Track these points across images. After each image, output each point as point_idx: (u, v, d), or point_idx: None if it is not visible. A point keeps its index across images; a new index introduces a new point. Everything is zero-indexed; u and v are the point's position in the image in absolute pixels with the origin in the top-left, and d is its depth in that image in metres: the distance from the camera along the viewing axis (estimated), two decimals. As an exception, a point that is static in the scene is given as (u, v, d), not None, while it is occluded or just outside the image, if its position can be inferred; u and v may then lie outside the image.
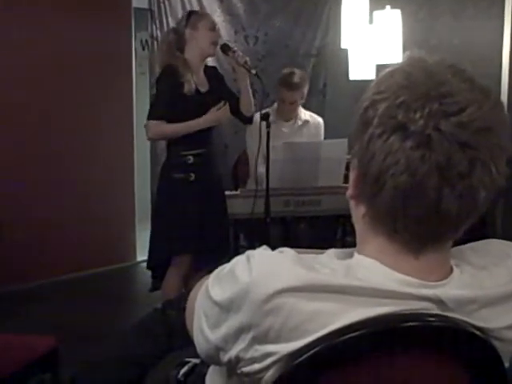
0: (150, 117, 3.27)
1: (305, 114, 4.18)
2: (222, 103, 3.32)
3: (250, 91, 3.43)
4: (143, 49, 6.18)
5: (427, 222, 0.90)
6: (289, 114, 4.09)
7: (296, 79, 3.91)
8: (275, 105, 4.11)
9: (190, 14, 3.44)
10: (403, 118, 0.87)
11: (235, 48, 3.45)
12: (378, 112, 0.90)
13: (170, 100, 3.24)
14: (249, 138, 3.94)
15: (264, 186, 3.34)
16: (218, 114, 3.32)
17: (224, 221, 3.49)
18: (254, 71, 3.35)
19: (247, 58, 3.37)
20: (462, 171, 0.86)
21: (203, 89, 3.32)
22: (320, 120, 4.24)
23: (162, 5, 4.40)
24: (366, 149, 0.91)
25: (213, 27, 3.33)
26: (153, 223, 3.58)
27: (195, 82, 3.29)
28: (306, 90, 4.01)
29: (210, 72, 3.37)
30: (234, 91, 3.52)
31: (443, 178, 0.86)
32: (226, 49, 3.34)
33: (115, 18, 4.99)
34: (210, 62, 3.60)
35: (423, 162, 0.86)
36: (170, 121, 3.27)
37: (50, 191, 4.64)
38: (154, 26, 4.39)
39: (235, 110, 3.45)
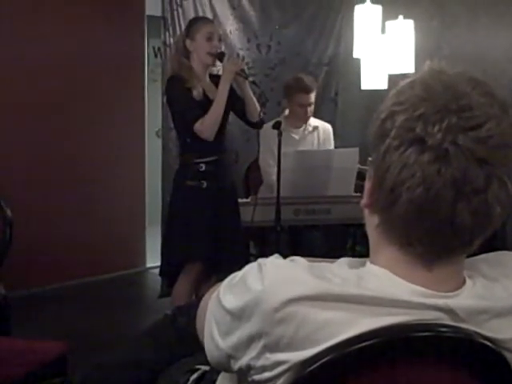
0: (190, 123, 3.25)
1: (314, 121, 4.21)
2: (225, 58, 3.35)
3: (253, 97, 3.45)
4: (155, 56, 6.22)
5: (441, 235, 0.90)
6: (304, 119, 4.10)
7: (308, 82, 3.99)
8: (286, 112, 4.13)
9: (191, 24, 3.45)
10: (421, 132, 0.86)
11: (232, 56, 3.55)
12: (395, 124, 0.89)
13: (186, 102, 3.27)
14: (261, 145, 3.96)
15: (274, 193, 3.35)
16: (227, 69, 3.30)
17: (237, 229, 3.47)
18: (251, 79, 3.45)
19: (243, 66, 3.44)
20: (478, 187, 0.86)
21: (211, 95, 3.33)
22: (329, 126, 4.27)
23: (175, 12, 4.42)
24: (382, 160, 0.91)
25: (210, 37, 3.33)
26: (165, 230, 3.57)
27: (202, 88, 3.32)
28: (315, 92, 4.08)
29: (216, 80, 3.38)
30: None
31: (459, 192, 0.86)
32: (221, 57, 3.37)
33: (128, 26, 5.03)
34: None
35: (439, 176, 0.86)
36: (185, 123, 3.29)
37: (60, 196, 4.66)
38: (167, 34, 4.40)
39: (242, 115, 3.48)
